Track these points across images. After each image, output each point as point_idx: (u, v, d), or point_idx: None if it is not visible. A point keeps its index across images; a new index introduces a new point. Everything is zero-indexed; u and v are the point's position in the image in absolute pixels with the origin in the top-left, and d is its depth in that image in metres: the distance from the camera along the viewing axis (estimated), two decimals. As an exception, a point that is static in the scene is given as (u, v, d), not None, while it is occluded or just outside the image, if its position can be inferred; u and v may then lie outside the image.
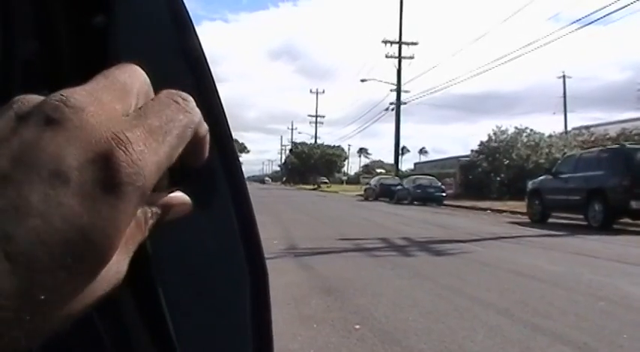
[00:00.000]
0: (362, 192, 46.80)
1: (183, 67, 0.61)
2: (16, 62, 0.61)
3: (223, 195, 0.61)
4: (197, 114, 0.41)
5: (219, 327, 0.62)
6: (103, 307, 0.58)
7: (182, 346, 0.59)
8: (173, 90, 0.40)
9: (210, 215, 0.61)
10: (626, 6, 20.66)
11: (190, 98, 0.41)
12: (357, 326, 5.33)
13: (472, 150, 40.61)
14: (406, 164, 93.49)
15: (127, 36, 0.60)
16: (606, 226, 15.44)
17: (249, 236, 0.62)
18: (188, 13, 0.61)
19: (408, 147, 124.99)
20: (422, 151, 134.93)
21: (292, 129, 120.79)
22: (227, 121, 0.62)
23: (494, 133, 39.11)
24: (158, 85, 0.61)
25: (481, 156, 38.30)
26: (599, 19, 27.18)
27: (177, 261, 0.59)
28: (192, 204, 0.43)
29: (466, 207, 28.30)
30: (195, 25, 0.62)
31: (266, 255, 0.64)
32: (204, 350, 0.62)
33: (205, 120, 0.59)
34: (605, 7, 22.14)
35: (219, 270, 0.62)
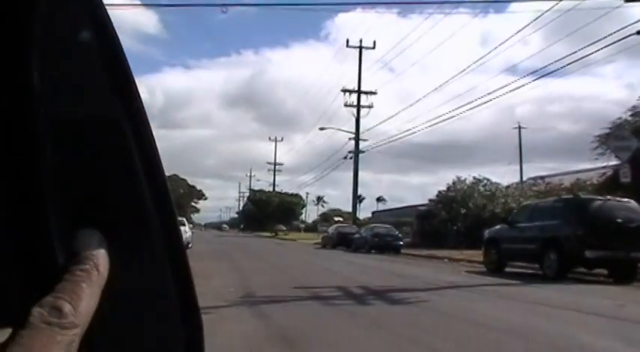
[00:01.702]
0: (319, 240, 46.68)
1: (109, 93, 0.57)
2: None
3: (157, 243, 0.57)
4: (77, 322, 0.47)
5: None
6: None
7: None
8: (44, 310, 0.47)
9: (140, 263, 0.57)
10: (581, 58, 21.31)
11: (67, 308, 0.47)
12: (313, 377, 5.20)
13: (430, 200, 41.00)
14: (364, 212, 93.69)
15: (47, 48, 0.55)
16: (561, 275, 15.58)
17: (184, 285, 0.58)
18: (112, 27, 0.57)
19: (366, 195, 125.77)
20: (380, 199, 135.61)
21: (250, 176, 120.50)
22: (159, 158, 0.58)
23: (454, 183, 39.61)
24: (87, 128, 0.58)
25: (439, 205, 38.67)
26: (554, 71, 27.87)
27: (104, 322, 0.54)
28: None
29: (423, 256, 28.39)
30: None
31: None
32: None
33: (137, 151, 0.54)
34: (560, 60, 22.81)
35: (149, 324, 0.57)
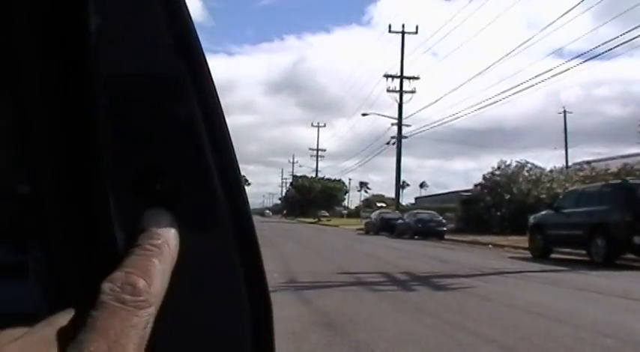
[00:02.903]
0: (362, 226, 46.63)
1: (180, 70, 0.54)
2: None
3: (224, 220, 0.53)
4: (151, 301, 0.42)
5: None
6: None
7: None
8: (115, 286, 0.42)
9: (207, 242, 0.53)
10: (629, 41, 20.76)
11: (141, 283, 0.42)
12: (358, 362, 5.20)
13: (475, 185, 40.53)
14: (407, 198, 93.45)
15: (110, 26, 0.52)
16: (609, 262, 15.28)
17: (252, 266, 0.54)
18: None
19: (409, 182, 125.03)
20: (422, 185, 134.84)
21: (293, 162, 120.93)
22: (229, 133, 0.55)
23: (498, 167, 39.09)
24: (148, 90, 0.54)
25: (483, 191, 38.22)
26: (602, 53, 27.14)
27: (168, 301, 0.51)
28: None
29: (467, 242, 28.14)
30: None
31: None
32: None
33: (203, 119, 0.50)
34: (608, 42, 22.26)
35: (216, 305, 0.54)
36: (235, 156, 0.55)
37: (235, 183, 0.54)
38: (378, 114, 55.41)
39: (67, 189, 0.54)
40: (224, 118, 0.54)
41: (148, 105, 0.53)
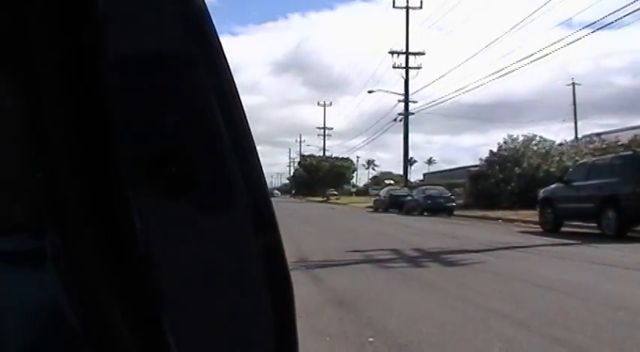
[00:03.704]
0: (371, 204, 46.63)
1: (193, 49, 0.51)
2: None
3: (241, 202, 0.51)
4: None
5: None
6: (98, 342, 0.49)
7: None
8: None
9: (225, 224, 0.51)
10: (638, 9, 20.50)
11: None
12: (371, 339, 5.20)
13: (481, 159, 40.38)
14: (415, 175, 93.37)
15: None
16: (620, 234, 15.22)
17: (272, 249, 0.52)
18: None
19: (417, 158, 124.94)
20: (430, 162, 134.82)
21: (300, 141, 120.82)
22: (244, 112, 0.52)
23: (505, 142, 38.89)
24: (160, 70, 0.52)
25: (491, 166, 38.06)
26: (610, 23, 26.73)
27: (185, 281, 0.49)
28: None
29: (476, 217, 28.11)
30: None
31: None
32: None
33: (220, 106, 0.49)
34: (617, 11, 21.99)
35: (235, 284, 0.52)
36: (251, 135, 0.52)
37: (252, 163, 0.52)
38: (384, 91, 55.19)
39: (82, 173, 0.52)
40: (239, 97, 0.52)
41: (160, 85, 0.51)
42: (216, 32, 0.52)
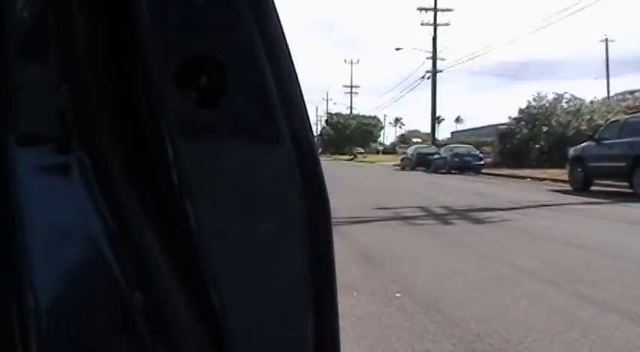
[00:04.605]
0: (398, 162, 46.47)
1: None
2: None
3: (275, 121, 0.48)
4: None
5: (269, 289, 0.50)
6: (127, 257, 0.47)
7: (235, 340, 0.47)
8: None
9: (256, 147, 0.49)
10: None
11: None
12: (398, 295, 5.22)
13: (510, 117, 39.89)
14: (443, 133, 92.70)
15: None
16: (652, 193, 15.01)
17: (312, 177, 0.50)
18: None
19: (444, 116, 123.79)
20: (458, 120, 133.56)
21: (327, 100, 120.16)
22: (281, 24, 0.50)
23: (534, 99, 38.31)
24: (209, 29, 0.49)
25: (520, 124, 37.59)
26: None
27: (217, 200, 0.47)
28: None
29: (505, 176, 27.88)
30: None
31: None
32: (258, 341, 0.50)
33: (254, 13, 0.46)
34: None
35: (270, 214, 0.49)
36: (289, 48, 0.49)
37: (292, 84, 0.49)
38: (412, 48, 54.49)
39: (108, 85, 0.50)
40: (274, 4, 0.49)
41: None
42: None
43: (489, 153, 39.53)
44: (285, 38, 0.49)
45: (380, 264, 6.65)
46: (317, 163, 0.50)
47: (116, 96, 0.50)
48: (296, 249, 0.49)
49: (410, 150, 44.85)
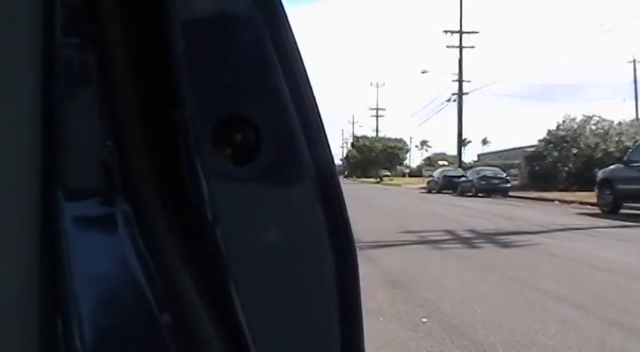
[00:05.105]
0: (425, 185, 46.25)
1: (257, 14, 0.53)
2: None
3: (306, 172, 0.52)
4: None
5: (299, 325, 0.53)
6: (168, 303, 0.51)
7: (258, 345, 0.51)
8: None
9: (289, 195, 0.53)
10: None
11: None
12: (424, 320, 5.20)
13: (540, 140, 39.57)
14: (469, 155, 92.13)
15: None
16: (683, 216, 14.77)
17: (337, 220, 0.53)
18: None
19: (471, 138, 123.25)
20: (485, 142, 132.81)
21: (353, 122, 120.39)
22: (308, 78, 0.54)
23: (563, 121, 38.02)
24: (225, 36, 0.54)
25: (548, 146, 37.28)
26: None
27: (251, 250, 0.51)
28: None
29: (532, 198, 27.62)
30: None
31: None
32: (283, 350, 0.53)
33: (284, 72, 0.49)
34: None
35: (299, 259, 0.53)
36: (316, 101, 0.53)
37: (317, 131, 0.53)
38: (438, 71, 54.50)
39: (151, 142, 0.54)
40: (303, 63, 0.53)
41: (225, 50, 0.52)
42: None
43: (516, 175, 39.22)
44: (312, 90, 0.53)
45: (406, 288, 6.63)
46: (344, 213, 0.54)
47: (158, 152, 0.54)
48: (322, 287, 0.53)
49: (436, 173, 44.63)
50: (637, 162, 17.15)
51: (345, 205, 0.54)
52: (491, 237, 11.51)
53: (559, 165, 35.55)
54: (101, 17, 0.54)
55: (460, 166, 48.06)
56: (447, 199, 29.74)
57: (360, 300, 0.54)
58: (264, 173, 0.51)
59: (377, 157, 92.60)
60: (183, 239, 0.52)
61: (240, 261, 0.50)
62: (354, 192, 37.11)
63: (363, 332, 0.55)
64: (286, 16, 0.53)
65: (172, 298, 0.51)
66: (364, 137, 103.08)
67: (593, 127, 36.95)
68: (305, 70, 0.53)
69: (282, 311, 0.52)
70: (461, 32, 51.98)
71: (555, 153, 36.16)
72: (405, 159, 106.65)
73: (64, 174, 0.53)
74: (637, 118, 44.07)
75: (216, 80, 0.52)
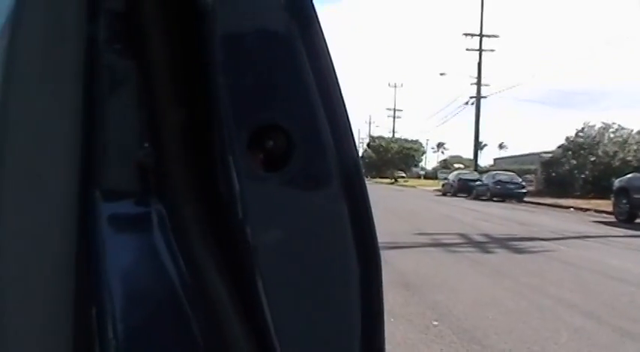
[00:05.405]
0: (440, 187, 46.10)
1: (291, 27, 0.55)
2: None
3: (332, 175, 0.55)
4: None
5: (323, 325, 0.56)
6: (198, 302, 0.54)
7: (283, 345, 0.53)
8: None
9: (318, 201, 0.55)
10: None
11: None
12: (435, 323, 5.21)
13: (558, 146, 39.33)
14: (485, 159, 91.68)
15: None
16: (700, 228, 14.64)
17: (364, 226, 0.56)
18: None
19: (487, 142, 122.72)
20: (501, 146, 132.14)
21: (370, 122, 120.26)
22: (340, 89, 0.56)
23: (582, 128, 37.77)
24: (260, 48, 0.56)
25: (567, 153, 37.04)
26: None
27: (280, 252, 0.54)
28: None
29: (547, 205, 27.46)
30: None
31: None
32: (307, 349, 0.55)
33: (317, 83, 0.51)
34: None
35: (325, 260, 0.56)
36: (347, 112, 0.56)
37: (347, 141, 0.55)
38: (457, 74, 54.33)
39: (187, 145, 0.57)
40: (335, 74, 0.55)
41: (261, 62, 0.55)
42: (315, 11, 0.56)
43: (532, 181, 39.00)
44: (343, 101, 0.55)
45: (418, 291, 6.63)
46: (370, 218, 0.56)
47: (193, 156, 0.56)
48: (346, 287, 0.55)
49: (451, 176, 44.46)
50: (655, 171, 17.03)
51: (370, 207, 0.56)
52: (504, 242, 11.47)
53: (576, 172, 35.33)
54: (142, 22, 0.57)
55: (476, 170, 47.86)
56: (461, 202, 29.63)
57: (382, 301, 0.56)
58: (295, 178, 0.53)
59: (392, 158, 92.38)
60: (215, 239, 0.55)
61: (268, 262, 0.53)
62: (369, 193, 37.05)
63: (384, 332, 0.57)
64: (321, 29, 0.55)
65: (202, 296, 0.53)
66: (380, 137, 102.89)
67: (612, 135, 36.69)
68: (337, 82, 0.55)
69: (307, 311, 0.55)
70: (481, 35, 51.75)
71: (573, 160, 35.93)
72: (420, 161, 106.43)
73: (102, 174, 0.56)
74: (656, 127, 43.65)
75: (252, 89, 0.54)
